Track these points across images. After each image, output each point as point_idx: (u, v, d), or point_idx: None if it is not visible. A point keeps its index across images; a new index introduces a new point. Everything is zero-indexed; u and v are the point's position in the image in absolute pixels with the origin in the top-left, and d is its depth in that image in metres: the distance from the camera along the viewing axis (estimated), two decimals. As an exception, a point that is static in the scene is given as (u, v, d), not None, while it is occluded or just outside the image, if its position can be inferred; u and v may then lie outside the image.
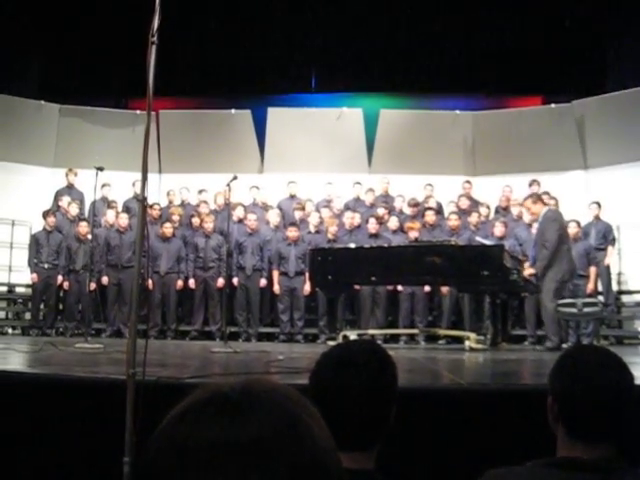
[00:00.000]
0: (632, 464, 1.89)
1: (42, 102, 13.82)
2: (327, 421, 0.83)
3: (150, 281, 11.06)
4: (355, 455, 1.67)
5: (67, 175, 12.87)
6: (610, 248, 11.49)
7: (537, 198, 9.26)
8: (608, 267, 11.51)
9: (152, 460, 0.76)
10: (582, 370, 1.95)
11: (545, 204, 9.23)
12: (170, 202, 12.78)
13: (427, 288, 10.92)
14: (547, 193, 11.89)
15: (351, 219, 11.59)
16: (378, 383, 1.79)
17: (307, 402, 0.82)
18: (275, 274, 11.36)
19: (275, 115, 14.02)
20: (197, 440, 0.74)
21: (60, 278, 11.63)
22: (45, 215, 11.83)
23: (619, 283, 12.28)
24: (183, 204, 12.81)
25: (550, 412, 2.01)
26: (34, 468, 3.51)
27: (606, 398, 1.90)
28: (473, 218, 11.37)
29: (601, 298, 10.66)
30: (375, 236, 10.98)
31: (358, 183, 12.99)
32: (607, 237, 11.48)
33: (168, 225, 11.53)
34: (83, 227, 11.47)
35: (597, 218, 11.60)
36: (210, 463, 0.71)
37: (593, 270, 10.60)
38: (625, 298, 12.38)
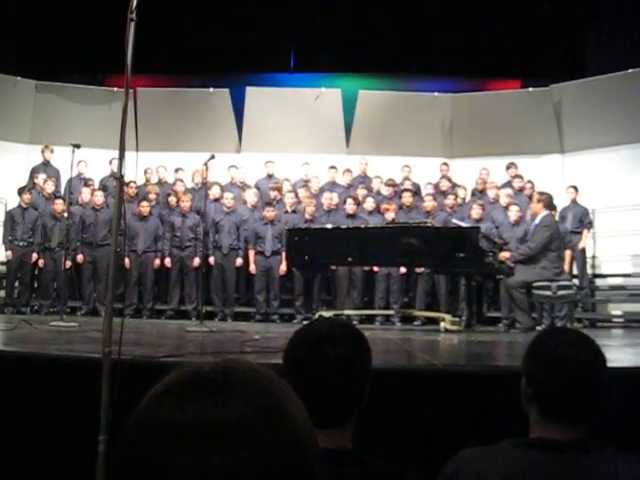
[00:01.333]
0: (604, 445, 1.92)
1: (18, 78, 13.67)
2: (302, 398, 0.84)
3: (127, 260, 11.03)
4: (331, 432, 1.68)
5: (43, 152, 12.77)
6: (585, 232, 11.58)
7: (543, 201, 9.23)
8: (583, 250, 11.60)
9: (133, 438, 0.76)
10: (555, 352, 1.96)
11: (547, 209, 9.20)
12: (147, 180, 12.72)
13: (403, 269, 10.95)
14: (521, 177, 11.97)
15: (329, 199, 11.60)
16: (353, 358, 1.79)
17: (284, 382, 0.84)
18: (251, 253, 11.35)
19: (253, 94, 13.96)
20: (179, 419, 0.74)
21: (35, 256, 11.55)
22: (20, 192, 11.72)
23: (594, 267, 12.38)
24: (160, 182, 12.75)
25: (524, 394, 2.03)
26: (9, 446, 3.50)
27: (578, 380, 1.92)
28: (449, 200, 11.41)
29: (576, 281, 10.75)
30: (352, 217, 11.00)
31: (333, 167, 12.97)
32: (583, 221, 11.57)
33: (145, 204, 11.46)
34: (59, 205, 11.39)
35: (574, 202, 11.68)
36: (193, 442, 0.72)
37: (568, 253, 10.68)
38: (599, 282, 12.49)
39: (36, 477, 3.44)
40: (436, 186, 12.33)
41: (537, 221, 9.19)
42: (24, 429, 3.52)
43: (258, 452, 0.73)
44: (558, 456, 1.85)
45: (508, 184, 12.08)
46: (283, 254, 10.83)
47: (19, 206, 11.68)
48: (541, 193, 9.53)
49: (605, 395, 1.96)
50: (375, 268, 11.01)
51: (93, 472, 2.93)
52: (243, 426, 0.73)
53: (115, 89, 13.37)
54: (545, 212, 9.10)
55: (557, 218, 10.68)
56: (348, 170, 12.84)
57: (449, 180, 12.52)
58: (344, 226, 10.02)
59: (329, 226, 10.04)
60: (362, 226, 10.06)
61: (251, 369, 0.82)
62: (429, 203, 11.16)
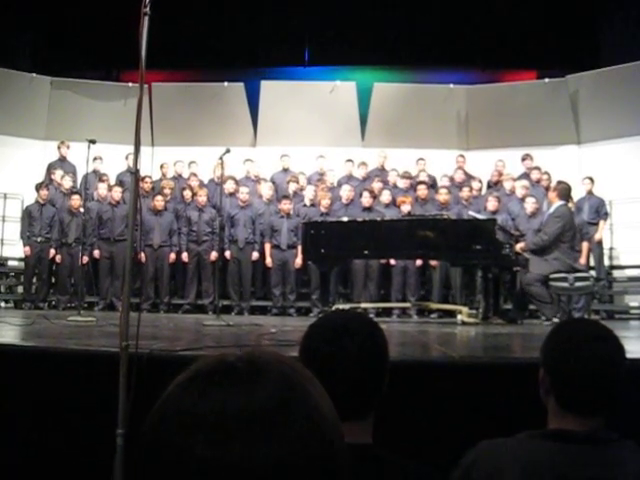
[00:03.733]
0: (622, 436, 1.91)
1: (34, 75, 13.72)
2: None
3: (142, 254, 11.07)
4: (352, 425, 1.68)
5: (59, 148, 12.82)
6: (602, 223, 11.51)
7: (560, 191, 9.17)
8: (600, 242, 11.54)
9: (158, 428, 0.76)
10: (574, 342, 1.96)
11: (562, 199, 9.14)
12: (163, 175, 12.75)
13: (419, 262, 10.93)
14: (538, 168, 11.91)
15: (349, 192, 11.58)
16: (371, 349, 1.79)
17: (309, 372, 0.83)
18: (267, 247, 11.37)
19: (268, 88, 13.96)
20: (205, 409, 0.74)
21: (52, 251, 11.62)
22: (38, 188, 11.79)
23: (611, 258, 12.32)
24: (176, 177, 12.79)
25: (541, 384, 2.03)
26: (28, 441, 3.52)
27: (597, 370, 1.91)
28: (465, 192, 11.37)
29: (593, 273, 10.70)
30: (368, 210, 10.98)
31: (350, 160, 12.96)
32: (600, 212, 11.50)
33: (160, 198, 11.50)
34: (76, 200, 11.44)
35: (590, 193, 11.61)
36: (218, 432, 0.72)
37: (585, 245, 10.64)
38: (617, 273, 12.43)
39: (55, 470, 3.46)
40: (451, 178, 12.30)
41: (551, 210, 9.15)
42: (43, 423, 3.54)
43: (282, 444, 0.72)
44: (576, 448, 1.84)
45: (524, 176, 12.03)
46: (299, 247, 10.83)
47: (36, 202, 11.75)
48: (559, 182, 9.47)
49: (623, 386, 1.95)
50: (392, 261, 11.00)
51: (111, 465, 2.94)
52: (267, 417, 0.73)
53: (130, 84, 13.41)
54: (560, 202, 9.04)
55: (573, 209, 10.63)
56: (364, 163, 12.83)
57: (464, 172, 12.47)
58: (360, 219, 10.00)
59: (345, 219, 10.02)
60: (378, 219, 10.03)
61: (276, 359, 0.82)
62: (444, 196, 11.12)
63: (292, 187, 12.05)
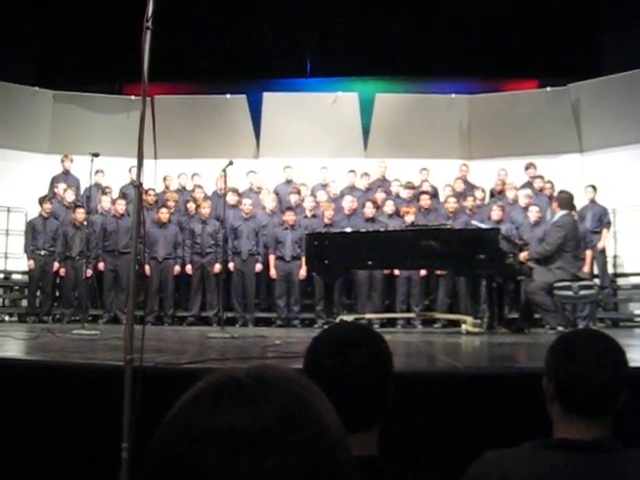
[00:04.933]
0: (627, 445, 1.90)
1: (36, 88, 13.75)
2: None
3: (147, 267, 11.08)
4: (357, 437, 1.67)
5: (63, 161, 12.85)
6: (605, 231, 11.50)
7: (562, 201, 9.18)
8: (603, 250, 11.54)
9: (168, 443, 0.76)
10: (577, 351, 1.97)
11: (564, 208, 9.13)
12: (166, 188, 12.76)
13: (423, 272, 10.93)
14: (541, 177, 11.91)
15: (351, 202, 11.59)
16: (376, 361, 1.79)
17: (317, 388, 0.84)
18: (271, 259, 11.37)
19: (270, 100, 13.99)
20: (214, 425, 0.74)
21: (56, 265, 11.63)
22: (41, 201, 11.81)
23: (615, 266, 12.30)
24: (179, 189, 12.81)
25: (545, 392, 2.03)
26: (32, 455, 3.52)
27: (599, 376, 1.92)
28: (469, 202, 11.37)
29: (597, 281, 10.68)
30: (371, 220, 10.98)
31: (352, 171, 12.96)
32: (602, 220, 11.49)
33: (164, 211, 11.52)
34: (80, 213, 11.46)
35: (592, 201, 11.60)
36: (227, 447, 0.72)
37: (589, 253, 10.63)
38: (621, 281, 12.41)
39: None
40: (452, 188, 12.30)
41: (554, 220, 9.16)
42: (47, 437, 3.53)
43: (290, 458, 0.73)
44: (581, 457, 1.84)
45: (527, 184, 12.03)
46: (303, 259, 10.82)
47: (40, 216, 11.77)
48: (561, 192, 9.47)
49: (628, 395, 1.96)
50: (396, 271, 11.00)
51: (116, 479, 2.93)
52: (273, 433, 0.74)
53: (133, 97, 13.43)
54: (562, 212, 9.05)
55: (577, 218, 10.61)
56: (366, 174, 12.85)
57: (464, 182, 12.47)
58: (363, 230, 10.00)
59: (349, 230, 10.03)
60: (382, 229, 10.03)
61: (284, 376, 0.82)
62: (452, 204, 11.12)
63: (293, 199, 12.05)
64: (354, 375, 1.73)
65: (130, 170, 11.83)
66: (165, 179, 12.76)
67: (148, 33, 3.45)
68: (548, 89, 13.56)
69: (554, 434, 2.01)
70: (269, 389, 0.78)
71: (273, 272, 11.32)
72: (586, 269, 10.29)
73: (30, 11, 14.13)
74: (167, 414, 0.80)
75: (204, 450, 0.73)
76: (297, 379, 0.83)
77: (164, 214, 11.49)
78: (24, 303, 12.25)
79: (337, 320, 9.40)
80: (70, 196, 12.17)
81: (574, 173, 12.80)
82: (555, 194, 10.21)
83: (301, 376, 0.84)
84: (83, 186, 12.43)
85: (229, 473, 0.71)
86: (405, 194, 12.05)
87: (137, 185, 3.43)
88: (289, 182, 12.88)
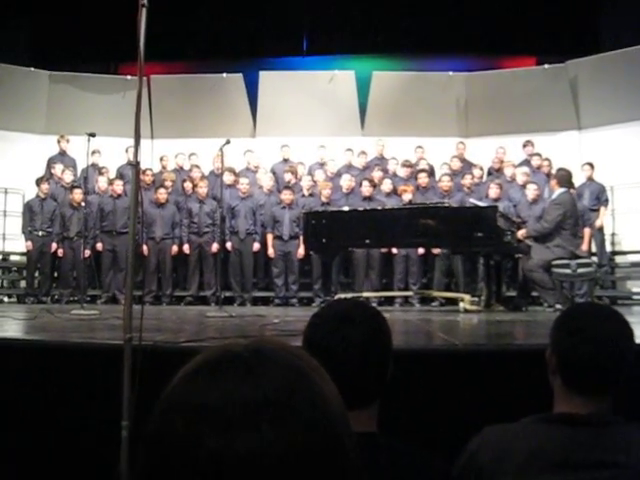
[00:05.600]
0: (628, 419, 1.91)
1: (32, 69, 13.70)
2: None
3: (145, 247, 11.08)
4: (357, 414, 1.68)
5: (59, 142, 12.81)
6: (603, 209, 11.50)
7: (560, 178, 9.15)
8: (601, 228, 11.54)
9: (165, 418, 0.76)
10: (580, 322, 1.97)
11: (562, 186, 9.11)
12: (163, 167, 12.73)
13: (421, 250, 10.93)
14: (539, 154, 11.89)
15: (349, 181, 11.58)
16: (375, 337, 1.79)
17: (316, 362, 0.83)
18: (269, 238, 11.36)
19: (267, 78, 13.94)
20: (212, 399, 0.74)
21: (54, 245, 11.64)
22: (39, 182, 11.79)
23: (613, 244, 12.32)
24: (177, 169, 12.79)
25: (548, 363, 2.03)
26: (33, 434, 3.53)
27: (604, 351, 1.91)
28: (466, 180, 11.35)
29: (595, 259, 10.69)
30: (369, 199, 10.98)
31: (349, 150, 12.93)
32: (600, 198, 11.48)
33: (162, 191, 11.51)
34: (77, 194, 11.43)
35: (590, 179, 11.59)
36: (225, 421, 0.72)
37: (587, 231, 10.62)
38: (619, 259, 12.43)
39: (61, 463, 3.48)
40: (449, 165, 12.29)
41: (552, 197, 9.16)
42: (48, 416, 3.55)
43: (289, 432, 0.72)
44: (581, 431, 1.84)
45: (525, 162, 12.02)
46: (301, 238, 10.82)
47: (37, 197, 11.76)
48: (559, 169, 9.46)
49: (631, 368, 1.96)
50: (393, 250, 11.00)
51: (117, 457, 2.95)
52: (274, 406, 0.73)
53: (128, 77, 13.41)
54: (561, 189, 9.03)
55: (575, 196, 10.60)
56: (363, 152, 12.81)
57: (462, 160, 12.45)
58: (361, 208, 9.99)
59: (346, 209, 10.02)
60: (379, 208, 10.03)
61: (282, 349, 0.82)
62: (447, 183, 11.10)
63: (288, 177, 12.03)
64: (353, 352, 1.74)
65: (127, 150, 11.80)
66: (162, 159, 12.73)
67: (144, 11, 3.43)
68: (546, 66, 13.51)
69: (555, 407, 2.01)
70: (267, 362, 0.78)
71: (271, 251, 11.32)
72: (584, 247, 10.28)
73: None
74: (164, 390, 0.80)
75: (202, 424, 0.72)
76: (295, 352, 0.82)
77: (162, 194, 11.47)
78: (22, 284, 12.26)
79: (335, 298, 9.41)
80: (68, 177, 12.14)
81: (572, 150, 12.79)
82: (553, 172, 10.19)
83: (299, 349, 0.84)
84: (80, 166, 12.39)
85: (228, 447, 0.71)
86: (403, 172, 12.04)
87: (134, 165, 3.42)
88: (286, 161, 12.86)
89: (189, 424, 0.73)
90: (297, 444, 0.72)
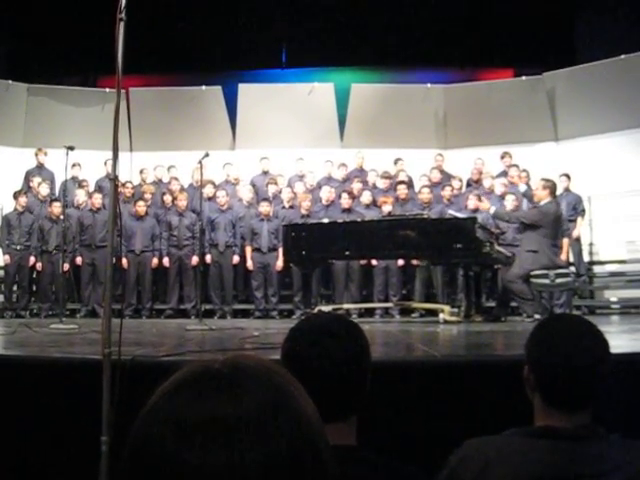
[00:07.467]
0: (608, 431, 1.92)
1: (10, 82, 13.60)
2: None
3: (125, 260, 11.03)
4: (336, 426, 1.68)
5: (37, 155, 12.71)
6: (580, 219, 11.57)
7: (549, 188, 9.20)
8: (578, 238, 11.60)
9: (145, 435, 0.76)
10: (557, 338, 1.97)
11: (550, 196, 9.16)
12: (143, 180, 12.69)
13: (401, 262, 10.95)
14: (516, 166, 11.93)
15: (329, 193, 11.60)
16: (353, 350, 1.80)
17: (293, 378, 0.84)
18: (248, 250, 11.34)
19: (246, 91, 13.93)
20: (192, 416, 0.74)
21: (33, 259, 11.54)
22: (16, 196, 11.70)
23: (590, 254, 12.38)
24: (156, 182, 12.74)
25: (526, 381, 2.04)
26: (11, 450, 3.50)
27: (581, 366, 1.92)
28: (446, 192, 11.38)
29: (573, 269, 10.76)
30: (348, 211, 10.99)
31: (329, 161, 12.95)
32: (577, 208, 11.55)
33: (141, 204, 11.47)
34: (56, 207, 11.36)
35: (567, 190, 11.64)
36: (206, 438, 0.72)
37: (565, 241, 10.69)
38: (597, 268, 12.51)
39: (40, 478, 3.45)
40: (429, 177, 12.32)
41: (540, 204, 9.18)
42: (27, 432, 3.52)
43: (269, 448, 0.73)
44: (563, 444, 1.85)
45: (503, 173, 12.07)
46: (280, 250, 10.82)
47: (15, 210, 11.66)
48: (547, 180, 9.47)
49: (609, 381, 1.96)
50: (373, 261, 11.02)
51: (96, 472, 2.93)
52: (253, 423, 0.74)
53: (107, 90, 13.34)
54: (548, 199, 9.08)
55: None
56: (343, 164, 12.83)
57: (440, 171, 12.49)
58: (341, 220, 10.01)
59: (326, 221, 10.03)
60: (359, 220, 10.05)
61: (261, 365, 0.82)
62: (427, 195, 11.13)
63: (271, 189, 12.04)
64: (331, 365, 1.74)
65: (106, 163, 11.76)
66: (142, 172, 12.68)
67: (122, 24, 3.43)
68: (523, 78, 13.60)
69: (535, 421, 2.01)
70: (246, 379, 0.78)
71: (250, 264, 11.30)
72: (562, 257, 10.36)
73: (2, 4, 13.97)
74: (144, 406, 0.80)
75: (185, 442, 0.73)
76: (273, 368, 0.83)
77: (141, 207, 11.43)
78: (0, 298, 12.15)
79: (315, 310, 9.41)
80: (44, 190, 12.06)
81: (549, 161, 12.84)
82: (531, 183, 10.23)
83: (277, 365, 0.85)
84: (58, 179, 12.32)
85: (209, 464, 0.71)
86: (382, 184, 12.06)
87: (112, 178, 3.42)
88: (265, 173, 12.85)
89: (170, 441, 0.74)
90: (277, 459, 0.73)
